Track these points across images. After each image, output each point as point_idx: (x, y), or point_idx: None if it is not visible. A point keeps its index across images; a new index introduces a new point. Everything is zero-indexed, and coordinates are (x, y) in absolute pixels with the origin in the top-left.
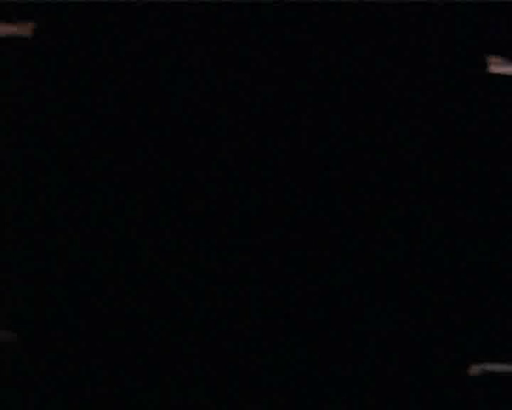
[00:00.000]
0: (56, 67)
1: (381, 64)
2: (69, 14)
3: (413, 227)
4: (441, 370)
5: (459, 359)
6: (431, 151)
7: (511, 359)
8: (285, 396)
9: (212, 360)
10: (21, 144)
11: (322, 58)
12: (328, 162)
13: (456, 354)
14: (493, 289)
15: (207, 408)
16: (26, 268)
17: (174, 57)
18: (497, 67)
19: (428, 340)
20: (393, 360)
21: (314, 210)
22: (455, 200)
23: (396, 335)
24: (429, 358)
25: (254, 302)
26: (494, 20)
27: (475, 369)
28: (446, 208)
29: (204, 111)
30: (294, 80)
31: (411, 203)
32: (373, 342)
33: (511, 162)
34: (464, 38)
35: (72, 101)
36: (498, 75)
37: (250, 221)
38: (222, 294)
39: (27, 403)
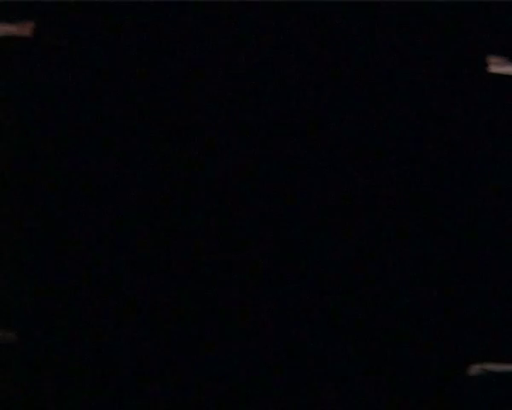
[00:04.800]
0: (56, 67)
1: (381, 64)
2: (69, 14)
3: (413, 226)
4: (441, 370)
5: (459, 359)
6: (430, 151)
7: (511, 359)
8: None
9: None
10: (21, 144)
11: (320, 57)
12: (327, 162)
13: (456, 354)
14: (494, 289)
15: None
16: (25, 268)
17: (175, 57)
18: (497, 67)
19: (428, 340)
20: (393, 360)
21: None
22: (455, 199)
23: (395, 334)
24: (429, 358)
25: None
26: (494, 20)
27: (475, 369)
28: (446, 208)
29: (205, 112)
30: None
31: (410, 203)
32: (372, 342)
33: (511, 162)
34: (464, 38)
35: (72, 101)
36: (498, 75)
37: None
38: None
39: (27, 403)
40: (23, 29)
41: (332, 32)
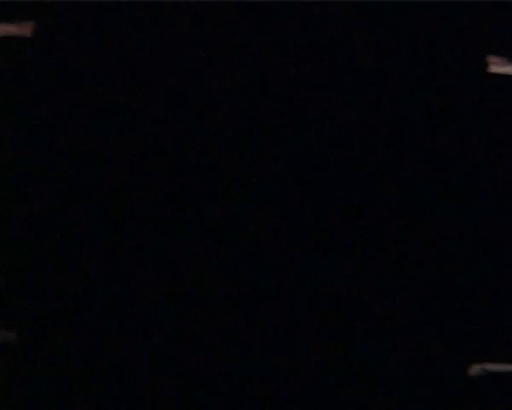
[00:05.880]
0: (56, 67)
1: (381, 64)
2: (69, 14)
3: (412, 227)
4: (441, 370)
5: (459, 359)
6: (430, 151)
7: (511, 359)
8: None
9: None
10: (21, 144)
11: (320, 57)
12: (326, 162)
13: (456, 354)
14: (494, 289)
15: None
16: (26, 268)
17: (175, 57)
18: (497, 67)
19: (428, 340)
20: (393, 360)
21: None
22: (454, 199)
23: (396, 334)
24: (429, 358)
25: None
26: (494, 20)
27: (475, 369)
28: (445, 208)
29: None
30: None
31: (410, 203)
32: (372, 342)
33: (511, 162)
34: (464, 37)
35: (72, 101)
36: (498, 75)
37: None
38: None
39: (28, 403)
40: (23, 29)
41: (331, 32)
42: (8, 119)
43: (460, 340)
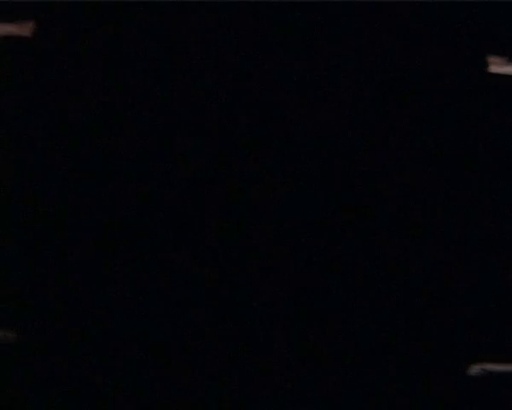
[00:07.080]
0: (56, 67)
1: (381, 64)
2: (69, 14)
3: (412, 227)
4: (441, 370)
5: (459, 359)
6: (430, 151)
7: (511, 359)
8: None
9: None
10: (21, 145)
11: (319, 57)
12: (328, 162)
13: (456, 354)
14: (493, 289)
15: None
16: (25, 268)
17: (175, 57)
18: (497, 67)
19: (428, 340)
20: (393, 360)
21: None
22: (454, 200)
23: (395, 334)
24: (429, 358)
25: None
26: (494, 20)
27: (475, 369)
28: (445, 209)
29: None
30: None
31: (410, 204)
32: (372, 342)
33: (511, 162)
34: (464, 38)
35: (72, 101)
36: (498, 75)
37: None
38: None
39: (27, 403)
40: (23, 29)
41: (330, 32)
42: (8, 119)
43: (460, 340)
